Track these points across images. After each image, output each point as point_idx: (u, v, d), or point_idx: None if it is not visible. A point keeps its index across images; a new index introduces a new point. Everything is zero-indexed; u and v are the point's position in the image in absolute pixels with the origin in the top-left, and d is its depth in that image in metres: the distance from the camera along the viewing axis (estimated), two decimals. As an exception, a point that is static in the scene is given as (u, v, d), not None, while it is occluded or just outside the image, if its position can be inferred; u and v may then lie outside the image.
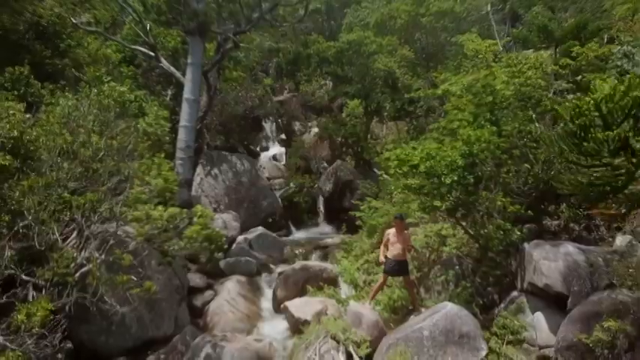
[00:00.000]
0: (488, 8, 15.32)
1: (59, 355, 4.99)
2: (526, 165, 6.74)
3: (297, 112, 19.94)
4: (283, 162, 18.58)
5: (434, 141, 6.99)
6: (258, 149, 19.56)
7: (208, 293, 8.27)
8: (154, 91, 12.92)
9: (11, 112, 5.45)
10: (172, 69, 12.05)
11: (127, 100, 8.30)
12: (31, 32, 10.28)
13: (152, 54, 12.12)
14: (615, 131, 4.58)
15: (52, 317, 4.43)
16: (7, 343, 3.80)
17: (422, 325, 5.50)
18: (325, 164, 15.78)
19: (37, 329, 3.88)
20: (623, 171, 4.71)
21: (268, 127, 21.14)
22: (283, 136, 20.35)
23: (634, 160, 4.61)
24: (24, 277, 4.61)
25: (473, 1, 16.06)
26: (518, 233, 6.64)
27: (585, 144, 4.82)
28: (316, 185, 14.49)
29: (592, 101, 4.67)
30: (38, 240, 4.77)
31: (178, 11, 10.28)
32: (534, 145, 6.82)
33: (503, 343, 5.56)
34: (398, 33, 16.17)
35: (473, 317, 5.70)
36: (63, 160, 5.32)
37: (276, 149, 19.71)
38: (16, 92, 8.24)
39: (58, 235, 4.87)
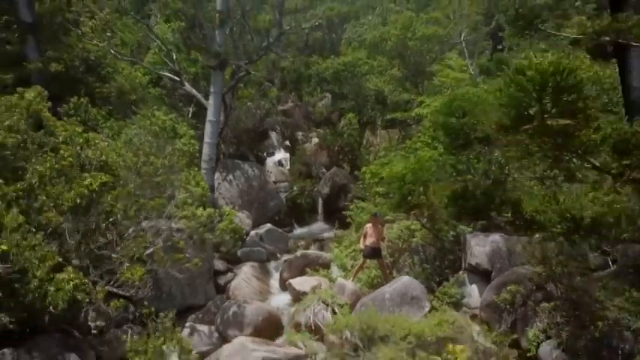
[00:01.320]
0: (462, 38, 17.53)
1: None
2: (468, 176, 9.00)
3: (300, 122, 22.25)
4: (287, 167, 20.91)
5: (401, 158, 9.28)
6: (265, 155, 21.94)
7: (229, 275, 10.61)
8: (177, 109, 15.30)
9: (96, 141, 7.78)
10: (194, 91, 14.39)
11: (167, 126, 10.63)
12: (83, 66, 12.65)
13: (177, 79, 14.48)
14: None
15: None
16: (119, 291, 6.12)
17: (385, 290, 7.81)
18: (324, 170, 18.07)
19: (137, 283, 6.21)
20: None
21: (274, 135, 23.53)
22: (287, 143, 22.71)
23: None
24: (113, 255, 6.95)
25: (454, 28, 18.28)
26: (462, 227, 8.92)
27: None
28: (316, 188, 16.79)
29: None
30: (121, 230, 7.11)
31: (201, 49, 12.63)
32: (476, 160, 9.08)
33: (442, 304, 7.84)
34: (389, 53, 18.45)
35: (421, 285, 8.00)
36: (133, 175, 7.65)
37: (281, 155, 21.97)
38: (78, 118, 10.58)
39: (134, 227, 7.21)
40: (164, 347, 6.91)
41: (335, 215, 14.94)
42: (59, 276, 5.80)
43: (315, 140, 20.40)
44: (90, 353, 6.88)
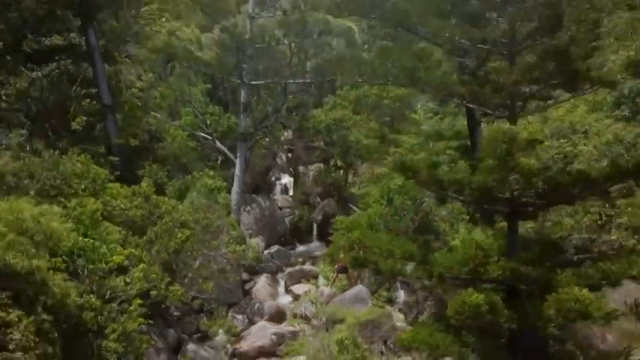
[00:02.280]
0: (419, 106, 22.96)
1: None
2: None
3: (302, 154, 27.63)
4: (291, 191, 26.43)
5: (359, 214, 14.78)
6: (273, 179, 27.46)
7: (252, 282, 16.10)
8: (209, 159, 20.84)
9: (174, 203, 13.27)
10: (222, 147, 19.87)
11: (212, 187, 16.13)
12: (147, 135, 18.18)
13: (209, 137, 19.99)
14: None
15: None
16: (199, 295, 11.74)
17: (346, 294, 13.33)
18: (319, 199, 23.49)
19: (208, 291, 11.79)
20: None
21: (280, 161, 29.09)
22: (291, 169, 28.22)
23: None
24: (189, 274, 12.48)
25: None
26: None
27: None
28: (312, 215, 22.25)
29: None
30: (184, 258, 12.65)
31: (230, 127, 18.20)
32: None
33: (379, 302, 13.30)
34: (368, 109, 23.82)
35: (367, 290, 13.45)
36: (199, 227, 13.15)
37: (286, 179, 27.53)
38: (151, 179, 16.07)
39: (202, 258, 12.72)
40: (220, 326, 12.51)
41: (325, 238, 20.29)
42: (171, 288, 11.31)
43: (313, 173, 25.88)
44: (177, 329, 12.42)
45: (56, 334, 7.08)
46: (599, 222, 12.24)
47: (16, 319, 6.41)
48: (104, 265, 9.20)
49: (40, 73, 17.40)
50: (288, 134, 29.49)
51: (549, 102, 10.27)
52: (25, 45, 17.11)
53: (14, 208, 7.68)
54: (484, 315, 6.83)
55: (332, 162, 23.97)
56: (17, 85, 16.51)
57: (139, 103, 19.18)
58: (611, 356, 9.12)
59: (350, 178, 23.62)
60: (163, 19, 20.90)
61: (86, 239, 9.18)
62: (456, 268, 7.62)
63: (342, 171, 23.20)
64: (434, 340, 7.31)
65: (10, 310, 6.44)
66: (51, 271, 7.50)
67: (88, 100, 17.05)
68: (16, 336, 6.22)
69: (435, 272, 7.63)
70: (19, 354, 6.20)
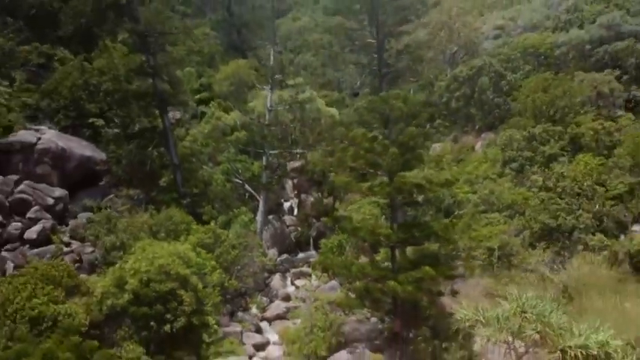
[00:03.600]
0: None
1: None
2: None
3: (304, 184, 37.57)
4: (296, 211, 36.41)
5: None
6: (282, 201, 37.46)
7: (270, 278, 26.01)
8: (240, 195, 30.79)
9: (227, 233, 23.22)
10: (250, 189, 29.81)
11: (245, 220, 26.03)
12: (202, 184, 28.11)
13: (240, 181, 29.93)
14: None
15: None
16: (242, 287, 21.64)
17: (327, 285, 23.21)
18: (314, 220, 33.38)
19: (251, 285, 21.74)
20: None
21: (288, 186, 39.06)
22: (296, 192, 38.22)
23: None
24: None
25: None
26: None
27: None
28: (310, 232, 32.13)
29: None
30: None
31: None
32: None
33: (344, 290, 23.21)
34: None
35: (338, 284, 23.37)
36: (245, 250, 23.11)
37: (292, 201, 37.56)
38: (209, 216, 26.02)
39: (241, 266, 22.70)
40: (254, 303, 22.54)
41: (318, 248, 30.19)
42: (229, 282, 21.24)
43: (311, 199, 35.75)
44: (232, 304, 22.37)
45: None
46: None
47: (185, 294, 16.32)
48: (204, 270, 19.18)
49: (133, 145, 27.51)
50: (294, 163, 39.47)
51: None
52: (130, 128, 27.34)
53: (171, 247, 17.66)
54: (374, 288, 16.57)
55: (324, 192, 33.83)
56: (121, 154, 26.68)
57: (194, 160, 29.25)
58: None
59: (337, 204, 33.50)
60: (213, 109, 31.00)
61: (197, 258, 19.09)
62: (367, 269, 17.41)
63: (331, 199, 33.07)
64: (349, 303, 17.11)
65: (182, 292, 16.33)
66: (190, 275, 17.41)
67: (163, 161, 27.22)
68: (187, 300, 16.11)
69: (353, 274, 17.37)
70: (186, 307, 16.10)
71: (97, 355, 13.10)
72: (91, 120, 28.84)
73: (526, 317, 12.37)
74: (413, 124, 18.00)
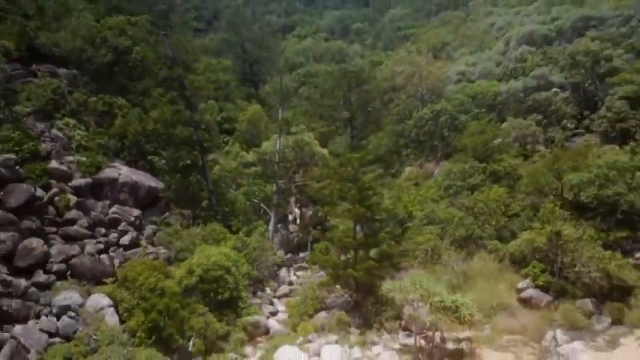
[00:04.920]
0: None
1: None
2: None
3: (304, 200, 48.73)
4: (297, 222, 47.54)
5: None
6: (288, 212, 48.63)
7: (280, 270, 37.04)
8: (256, 210, 41.84)
9: (250, 240, 34.27)
10: (264, 207, 40.87)
11: (264, 229, 36.89)
12: (230, 204, 39.22)
13: (257, 201, 41.00)
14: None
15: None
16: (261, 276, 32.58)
17: (317, 274, 34.22)
18: (311, 228, 44.34)
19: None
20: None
21: (292, 201, 50.25)
22: (299, 205, 49.41)
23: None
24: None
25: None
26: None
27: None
28: (308, 237, 43.09)
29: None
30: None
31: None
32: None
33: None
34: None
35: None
36: (260, 248, 34.15)
37: (295, 212, 48.77)
38: (236, 228, 37.12)
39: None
40: (269, 287, 33.60)
41: (313, 250, 41.12)
42: (252, 272, 32.24)
43: (309, 212, 46.74)
44: (254, 287, 33.38)
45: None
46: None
47: (228, 278, 27.27)
48: (237, 264, 30.21)
49: (180, 176, 38.72)
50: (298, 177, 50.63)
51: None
52: (177, 163, 38.60)
53: (218, 249, 28.69)
54: (343, 274, 27.43)
55: (317, 209, 44.76)
56: (171, 183, 37.91)
57: (223, 185, 40.39)
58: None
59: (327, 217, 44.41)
60: (236, 147, 42.15)
61: (233, 256, 30.02)
62: (339, 263, 28.26)
63: (322, 213, 44.03)
64: (329, 283, 28.01)
65: (227, 277, 27.26)
66: (230, 266, 28.36)
67: (201, 187, 38.45)
68: (229, 282, 27.04)
69: (331, 266, 28.30)
70: (229, 286, 27.07)
71: (188, 308, 24.10)
72: (149, 157, 40.04)
73: (415, 287, 23.19)
74: (368, 171, 29.04)
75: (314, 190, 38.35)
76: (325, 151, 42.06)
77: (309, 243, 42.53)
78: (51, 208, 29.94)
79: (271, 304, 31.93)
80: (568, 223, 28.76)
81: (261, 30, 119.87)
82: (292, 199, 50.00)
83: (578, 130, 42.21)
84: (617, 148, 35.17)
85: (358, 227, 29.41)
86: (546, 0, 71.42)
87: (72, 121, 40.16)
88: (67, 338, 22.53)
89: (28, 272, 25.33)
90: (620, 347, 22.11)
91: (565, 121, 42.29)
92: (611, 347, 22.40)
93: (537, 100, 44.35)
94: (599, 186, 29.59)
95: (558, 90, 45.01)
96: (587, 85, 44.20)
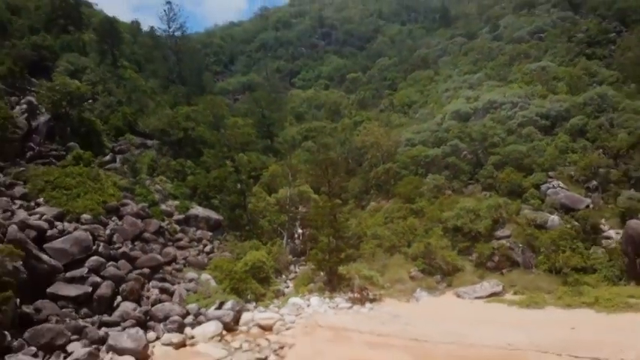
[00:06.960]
0: None
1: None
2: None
3: (305, 223, 76.14)
4: (301, 237, 74.96)
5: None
6: (293, 231, 76.09)
7: (289, 266, 64.16)
8: (276, 232, 69.14)
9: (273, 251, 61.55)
10: (280, 229, 68.19)
11: (281, 242, 63.70)
12: (245, 214, 66.61)
13: (276, 225, 68.35)
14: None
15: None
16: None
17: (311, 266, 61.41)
18: (308, 242, 71.26)
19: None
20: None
21: (297, 224, 77.88)
22: (301, 226, 76.95)
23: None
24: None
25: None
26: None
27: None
28: (307, 247, 70.07)
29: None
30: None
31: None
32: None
33: (318, 270, 61.37)
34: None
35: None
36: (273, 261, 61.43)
37: (300, 232, 76.35)
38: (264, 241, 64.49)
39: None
40: (284, 275, 60.85)
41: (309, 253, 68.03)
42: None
43: (308, 232, 73.73)
44: (272, 276, 60.55)
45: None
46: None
47: (265, 267, 54.47)
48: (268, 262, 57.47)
49: (229, 210, 66.59)
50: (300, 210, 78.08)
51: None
52: (228, 203, 66.48)
53: (259, 253, 56.07)
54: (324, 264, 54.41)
55: (313, 229, 71.79)
56: (225, 215, 65.77)
57: (255, 216, 67.96)
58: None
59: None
60: (262, 193, 69.76)
61: (266, 257, 57.14)
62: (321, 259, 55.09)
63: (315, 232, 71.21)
64: (314, 270, 54.97)
65: (263, 266, 54.41)
66: (265, 262, 55.55)
67: (243, 216, 66.22)
68: (265, 269, 54.14)
69: (316, 260, 55.32)
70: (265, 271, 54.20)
71: (247, 279, 51.45)
72: (211, 200, 67.63)
73: (357, 270, 50.32)
74: (333, 214, 56.59)
75: (309, 219, 65.54)
76: (316, 197, 69.51)
77: (307, 250, 69.50)
78: (167, 233, 57.68)
79: (285, 282, 59.01)
80: (442, 238, 56.03)
81: (272, 78, 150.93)
82: (297, 224, 77.31)
83: (470, 182, 69.59)
84: (477, 196, 62.55)
85: (333, 240, 56.53)
86: (485, 74, 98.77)
87: (164, 178, 68.07)
88: (195, 292, 49.95)
89: (168, 264, 52.95)
90: (443, 295, 49.22)
91: (462, 175, 69.79)
92: (441, 295, 49.54)
93: (448, 161, 71.78)
94: (457, 217, 57.00)
95: (466, 153, 72.41)
96: (479, 151, 71.81)
